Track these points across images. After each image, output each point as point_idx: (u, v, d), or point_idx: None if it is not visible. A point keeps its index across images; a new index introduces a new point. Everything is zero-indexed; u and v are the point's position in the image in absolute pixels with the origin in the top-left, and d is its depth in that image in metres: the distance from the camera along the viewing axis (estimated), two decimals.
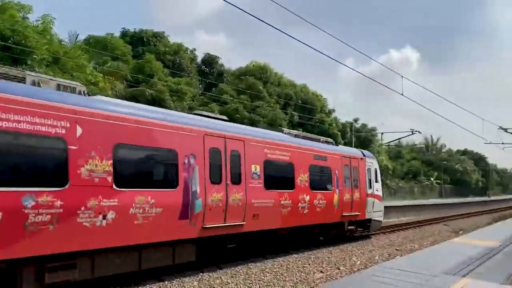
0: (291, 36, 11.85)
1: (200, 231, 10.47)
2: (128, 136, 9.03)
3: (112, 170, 8.54)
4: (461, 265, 9.91)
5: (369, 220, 18.67)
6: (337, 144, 20.48)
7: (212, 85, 34.30)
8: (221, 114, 28.35)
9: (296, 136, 15.48)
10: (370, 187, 18.73)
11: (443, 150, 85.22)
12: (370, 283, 7.87)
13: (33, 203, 7.32)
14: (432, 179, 67.57)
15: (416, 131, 36.85)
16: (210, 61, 35.83)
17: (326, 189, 15.47)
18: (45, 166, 8.01)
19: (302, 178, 14.08)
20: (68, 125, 7.97)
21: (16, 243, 7.17)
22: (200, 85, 33.95)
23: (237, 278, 10.98)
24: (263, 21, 10.36)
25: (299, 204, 13.82)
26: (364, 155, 19.19)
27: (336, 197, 15.86)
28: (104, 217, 8.37)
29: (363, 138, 46.62)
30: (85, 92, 9.11)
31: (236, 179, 11.61)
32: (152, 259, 9.76)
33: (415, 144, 73.54)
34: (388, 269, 9.15)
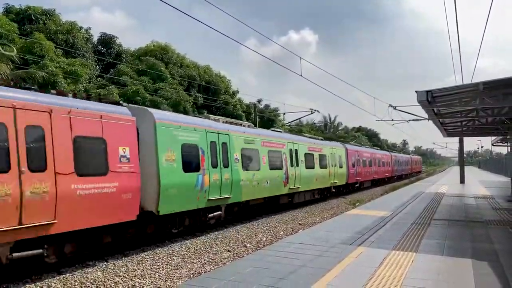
0: (190, 16, 11.63)
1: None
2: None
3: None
4: (357, 235, 10.67)
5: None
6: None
7: (110, 66, 32.67)
8: (120, 96, 27.26)
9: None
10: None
11: (340, 128, 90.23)
12: (275, 258, 8.18)
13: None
14: None
15: (315, 110, 38.39)
16: (107, 41, 34.00)
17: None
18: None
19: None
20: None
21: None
22: (97, 66, 32.15)
23: (143, 264, 10.80)
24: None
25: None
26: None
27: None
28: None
29: (266, 118, 47.68)
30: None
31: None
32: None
33: (315, 123, 77.07)
34: (291, 244, 9.57)
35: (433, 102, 13.50)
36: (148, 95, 29.33)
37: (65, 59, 26.21)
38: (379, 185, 41.62)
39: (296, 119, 51.06)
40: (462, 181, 36.03)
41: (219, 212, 15.07)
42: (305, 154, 22.92)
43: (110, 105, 11.07)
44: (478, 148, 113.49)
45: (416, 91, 12.62)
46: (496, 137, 34.71)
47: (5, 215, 7.90)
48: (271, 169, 18.70)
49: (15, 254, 8.46)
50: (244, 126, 18.60)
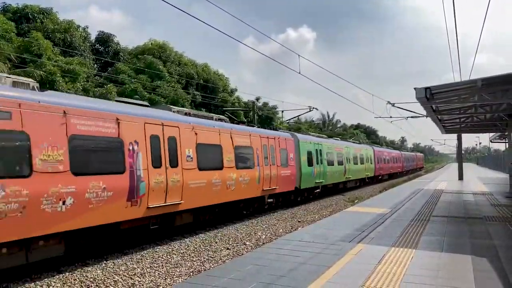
0: (189, 14, 11.62)
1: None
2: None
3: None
4: (356, 232, 10.67)
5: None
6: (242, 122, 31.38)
7: (108, 64, 32.61)
8: (118, 94, 27.24)
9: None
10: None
11: (338, 125, 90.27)
12: (274, 256, 8.19)
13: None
14: None
15: (313, 108, 38.44)
16: (105, 39, 33.91)
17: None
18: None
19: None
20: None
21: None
22: (95, 65, 32.07)
23: (143, 263, 10.80)
24: None
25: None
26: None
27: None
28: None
29: (265, 116, 47.67)
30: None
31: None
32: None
33: (313, 120, 77.07)
34: (290, 241, 9.57)
35: (432, 99, 13.51)
36: (146, 93, 29.30)
37: (63, 57, 26.13)
38: (393, 178, 51.82)
39: (295, 117, 51.15)
40: (460, 177, 36.08)
41: (318, 190, 25.62)
42: (352, 154, 33.64)
43: (285, 132, 23.76)
44: (476, 144, 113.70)
45: (414, 88, 12.63)
46: (494, 133, 34.77)
47: (273, 183, 18.81)
48: (338, 165, 29.37)
49: (268, 200, 18.92)
50: (325, 138, 30.95)
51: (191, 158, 13.09)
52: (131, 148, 10.75)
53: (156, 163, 11.68)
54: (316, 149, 25.27)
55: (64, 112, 9.14)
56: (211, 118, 15.87)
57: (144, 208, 11.06)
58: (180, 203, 12.48)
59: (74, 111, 9.40)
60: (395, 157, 54.48)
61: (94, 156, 9.95)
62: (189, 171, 12.86)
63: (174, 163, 12.31)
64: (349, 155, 32.58)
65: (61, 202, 8.79)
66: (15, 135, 8.17)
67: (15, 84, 9.19)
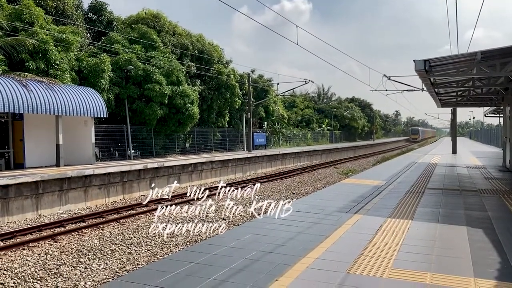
0: None
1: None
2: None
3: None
4: (353, 203, 10.73)
5: None
6: (235, 94, 28.11)
7: (102, 34, 32.00)
8: (112, 64, 26.82)
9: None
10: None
11: (333, 99, 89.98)
12: (272, 225, 8.22)
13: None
14: (323, 126, 71.25)
15: (309, 80, 38.17)
16: (98, 8, 33.19)
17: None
18: None
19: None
20: None
21: None
22: (88, 34, 31.45)
23: (139, 233, 10.87)
24: None
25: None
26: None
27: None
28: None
29: (260, 89, 47.33)
30: None
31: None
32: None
33: (308, 93, 76.70)
34: (287, 211, 9.59)
35: (430, 71, 13.40)
36: (140, 63, 28.88)
37: (55, 26, 25.56)
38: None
39: (290, 89, 50.93)
40: (454, 151, 36.31)
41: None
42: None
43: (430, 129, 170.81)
44: (469, 119, 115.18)
45: (414, 60, 12.49)
46: (489, 107, 34.83)
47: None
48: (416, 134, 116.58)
49: None
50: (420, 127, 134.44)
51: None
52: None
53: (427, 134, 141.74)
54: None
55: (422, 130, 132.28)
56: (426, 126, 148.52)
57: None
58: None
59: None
60: (425, 131, 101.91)
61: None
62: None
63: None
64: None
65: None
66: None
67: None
